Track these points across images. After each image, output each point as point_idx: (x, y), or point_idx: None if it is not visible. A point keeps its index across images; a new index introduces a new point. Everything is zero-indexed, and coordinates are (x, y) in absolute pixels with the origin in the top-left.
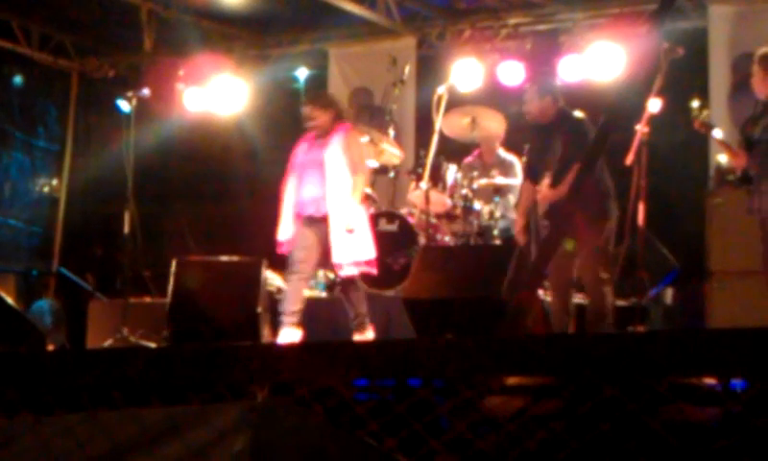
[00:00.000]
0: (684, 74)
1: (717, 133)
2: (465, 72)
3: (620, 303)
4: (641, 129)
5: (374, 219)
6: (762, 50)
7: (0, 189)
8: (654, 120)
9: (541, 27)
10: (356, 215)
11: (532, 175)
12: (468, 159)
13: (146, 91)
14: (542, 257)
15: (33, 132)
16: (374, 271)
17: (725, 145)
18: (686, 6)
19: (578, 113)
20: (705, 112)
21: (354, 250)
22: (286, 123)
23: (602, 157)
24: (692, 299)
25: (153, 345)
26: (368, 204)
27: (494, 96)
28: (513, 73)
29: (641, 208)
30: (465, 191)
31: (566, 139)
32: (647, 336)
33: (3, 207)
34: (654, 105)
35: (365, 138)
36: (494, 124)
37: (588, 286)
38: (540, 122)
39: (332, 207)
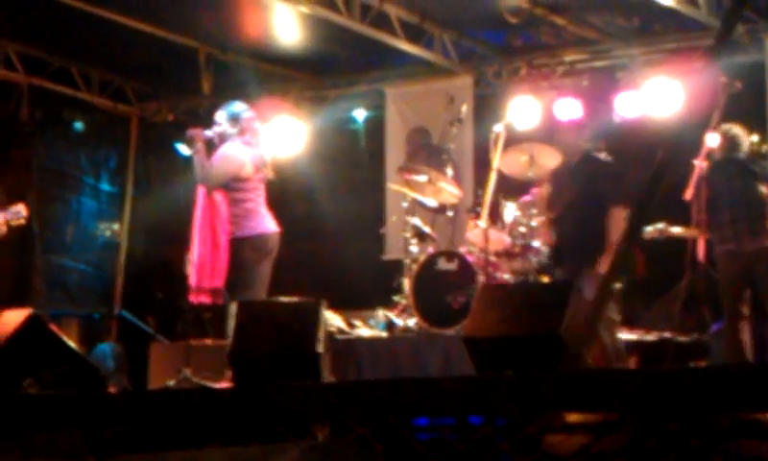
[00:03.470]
0: (742, 108)
1: None
2: (522, 110)
3: (681, 338)
4: (700, 163)
5: (433, 258)
6: None
7: (64, 233)
8: (712, 154)
9: (598, 64)
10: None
11: None
12: (527, 198)
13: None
14: (602, 294)
15: (97, 176)
16: (218, 301)
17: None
18: (744, 40)
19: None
20: None
21: (203, 275)
22: (344, 164)
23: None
24: (755, 333)
25: (214, 386)
26: (427, 242)
27: (552, 133)
28: (570, 110)
29: (701, 243)
30: (523, 229)
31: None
32: (710, 372)
33: (73, 252)
34: (712, 139)
35: (423, 177)
36: (552, 161)
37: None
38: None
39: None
